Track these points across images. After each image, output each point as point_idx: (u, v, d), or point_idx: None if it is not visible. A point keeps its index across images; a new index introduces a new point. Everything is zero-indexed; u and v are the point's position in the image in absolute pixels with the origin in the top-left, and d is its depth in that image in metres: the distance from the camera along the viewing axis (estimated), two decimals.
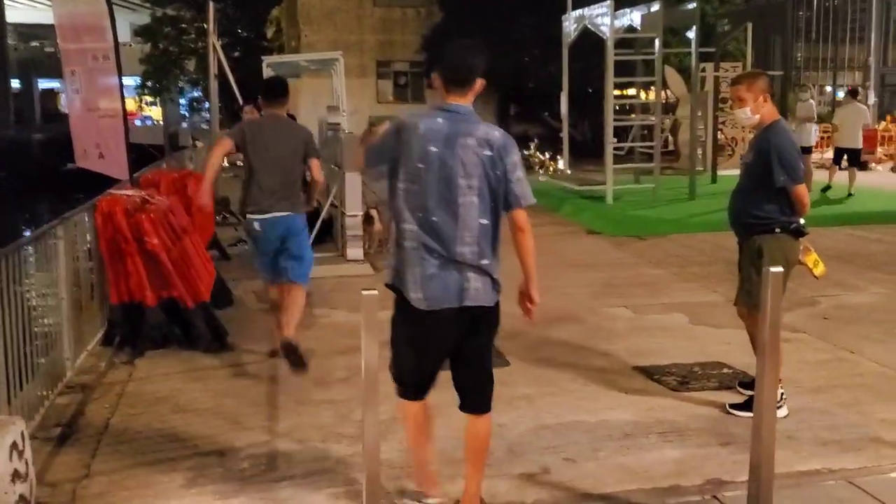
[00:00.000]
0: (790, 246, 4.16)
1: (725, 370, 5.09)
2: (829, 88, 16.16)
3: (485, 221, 2.85)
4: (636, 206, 12.74)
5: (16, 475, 2.91)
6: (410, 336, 2.89)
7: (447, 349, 2.95)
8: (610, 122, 12.62)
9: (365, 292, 2.45)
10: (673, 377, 5.01)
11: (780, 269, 2.83)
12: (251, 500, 3.36)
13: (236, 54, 21.78)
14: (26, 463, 3.04)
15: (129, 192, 5.64)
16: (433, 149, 2.81)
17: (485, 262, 2.86)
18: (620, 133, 13.12)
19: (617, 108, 12.90)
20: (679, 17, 13.82)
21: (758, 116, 4.18)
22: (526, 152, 16.97)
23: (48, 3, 6.42)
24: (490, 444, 3.20)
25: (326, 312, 6.83)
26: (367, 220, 8.82)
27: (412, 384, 3.00)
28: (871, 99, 18.36)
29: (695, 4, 13.27)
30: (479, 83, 3.00)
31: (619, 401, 4.59)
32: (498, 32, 19.14)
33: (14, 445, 2.93)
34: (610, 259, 9.47)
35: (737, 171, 4.83)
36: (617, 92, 13.03)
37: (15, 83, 49.62)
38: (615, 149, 12.70)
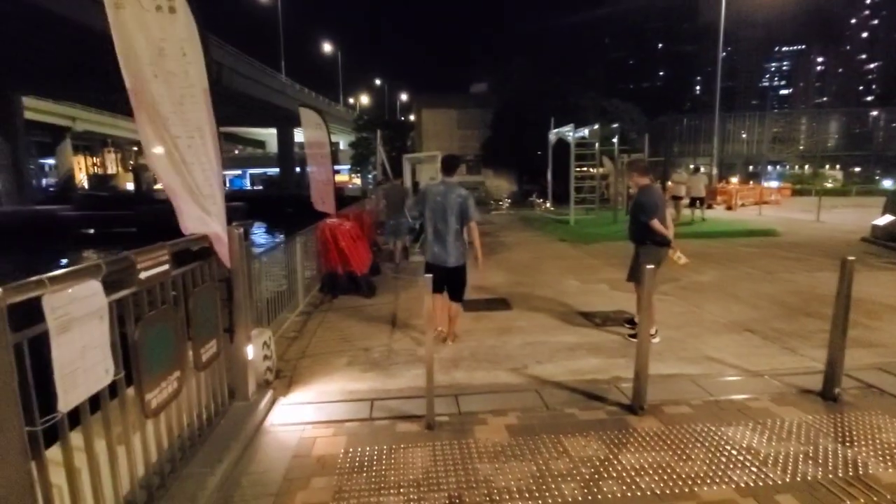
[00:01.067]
0: (655, 251, 4.66)
1: (626, 315, 5.36)
2: (691, 166, 17.76)
3: (457, 227, 4.43)
4: (586, 225, 14.00)
5: (265, 357, 3.44)
6: (431, 272, 4.07)
7: (442, 278, 4.35)
8: (572, 183, 14.68)
9: (425, 277, 2.99)
10: (598, 318, 5.38)
11: (651, 266, 3.21)
12: (377, 373, 3.93)
13: (393, 153, 27.13)
14: (271, 351, 3.57)
15: (334, 220, 6.84)
16: (438, 199, 4.41)
17: (458, 244, 4.45)
18: (579, 188, 15.37)
19: (577, 175, 14.91)
20: (609, 132, 16.42)
21: (637, 184, 4.92)
22: (530, 199, 21.36)
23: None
24: (496, 351, 3.64)
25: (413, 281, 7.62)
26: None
27: (435, 287, 4.08)
28: (714, 171, 20.79)
29: (617, 125, 16.98)
30: (458, 170, 4.64)
31: (568, 331, 5.00)
32: (518, 140, 24.31)
33: (265, 343, 3.46)
34: (570, 254, 9.79)
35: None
36: (578, 168, 14.99)
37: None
38: (576, 196, 14.85)
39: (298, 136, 51.85)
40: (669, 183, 15.41)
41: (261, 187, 60.91)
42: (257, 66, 41.44)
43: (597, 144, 14.95)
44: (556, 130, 15.96)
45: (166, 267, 2.29)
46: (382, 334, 4.93)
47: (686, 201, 14.50)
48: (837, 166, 47.40)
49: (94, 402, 1.82)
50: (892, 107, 60.73)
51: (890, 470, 2.50)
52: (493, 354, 4.31)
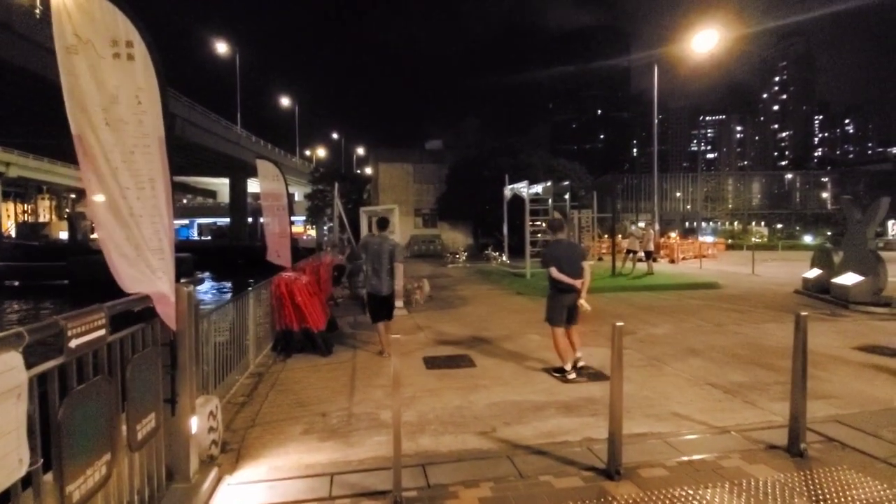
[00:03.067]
0: (560, 296, 5.31)
1: (590, 370, 5.35)
2: (641, 224, 19.18)
3: (389, 267, 5.96)
4: (542, 278, 13.78)
5: (210, 429, 3.07)
6: (370, 300, 6.08)
7: (380, 305, 6.03)
8: (527, 236, 14.84)
9: (393, 336, 2.84)
10: (557, 374, 5.26)
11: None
12: (337, 442, 3.59)
13: (349, 206, 28.44)
14: (217, 421, 3.21)
15: (290, 274, 6.53)
16: (374, 246, 6.04)
17: (388, 279, 5.98)
18: (535, 242, 15.48)
19: (532, 230, 15.38)
20: (560, 189, 16.93)
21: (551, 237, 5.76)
22: (486, 252, 21.45)
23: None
24: (462, 413, 3.46)
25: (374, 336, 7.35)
26: (418, 287, 10.17)
27: (376, 313, 6.09)
28: (656, 227, 21.97)
29: (568, 183, 17.95)
30: (391, 227, 6.44)
31: (535, 388, 4.87)
32: (474, 196, 24.99)
33: (211, 412, 3.11)
34: (528, 307, 9.75)
35: (587, 262, 5.42)
36: (532, 223, 15.44)
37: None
38: (532, 250, 14.81)
39: (253, 186, 51.29)
40: (619, 237, 16.13)
41: (209, 237, 58.81)
42: (212, 117, 41.14)
43: (550, 200, 15.51)
44: (511, 186, 16.49)
45: (102, 332, 2.02)
46: (341, 396, 4.61)
47: (641, 255, 15.14)
48: (763, 223, 51.46)
49: (3, 498, 1.50)
50: (804, 171, 67.53)
51: None
52: (459, 416, 4.09)
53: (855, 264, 9.83)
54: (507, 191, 16.75)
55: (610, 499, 2.77)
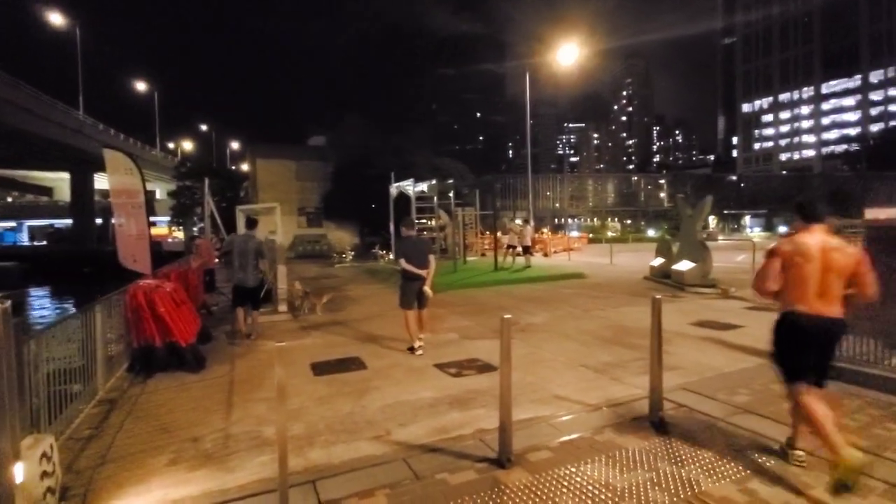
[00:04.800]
0: (408, 283, 6.00)
1: (479, 362, 5.48)
2: (519, 221, 20.34)
3: (254, 262, 6.72)
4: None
5: (44, 474, 2.56)
6: (237, 292, 6.85)
7: (246, 294, 6.81)
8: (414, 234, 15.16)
9: (277, 344, 2.61)
10: (453, 368, 5.34)
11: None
12: (211, 469, 3.19)
13: (224, 205, 25.54)
14: (53, 464, 2.66)
15: (149, 281, 5.71)
16: (241, 244, 6.67)
17: (254, 273, 6.76)
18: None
19: (418, 227, 14.69)
20: (445, 188, 17.59)
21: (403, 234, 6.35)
22: (373, 251, 20.77)
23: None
24: (354, 418, 3.31)
25: (263, 343, 6.83)
26: (305, 294, 9.25)
27: (240, 301, 6.93)
28: (532, 223, 23.21)
29: (452, 181, 18.97)
30: (258, 225, 7.05)
31: (427, 385, 4.83)
32: (360, 194, 24.32)
33: (44, 454, 2.58)
34: None
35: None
36: (418, 220, 15.50)
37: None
38: None
39: (101, 181, 44.46)
40: (500, 234, 16.94)
41: (44, 242, 49.85)
42: (45, 99, 34.77)
43: (435, 198, 15.78)
44: (397, 184, 16.43)
45: None
46: (216, 416, 4.12)
47: (519, 249, 16.04)
48: (616, 219, 57.96)
49: None
50: (647, 174, 77.36)
51: (718, 483, 2.81)
52: (351, 423, 3.89)
53: (687, 253, 11.47)
54: (394, 189, 16.69)
55: (503, 487, 2.82)
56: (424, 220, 16.31)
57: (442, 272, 14.58)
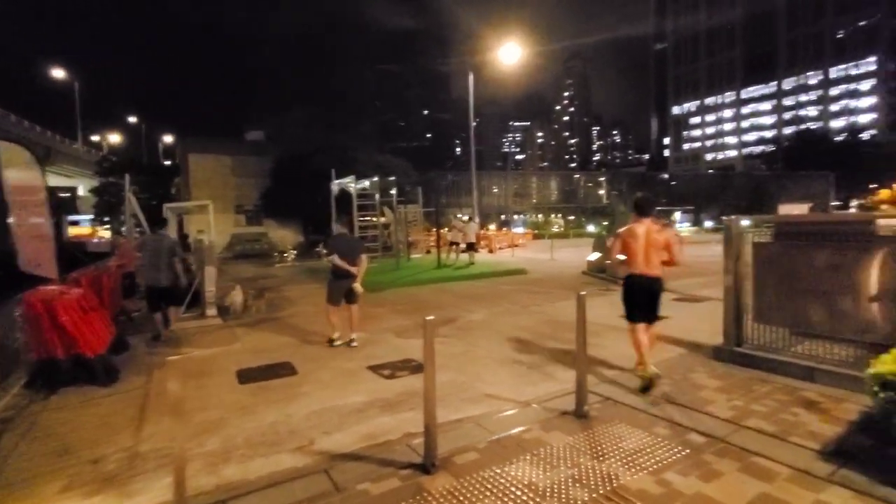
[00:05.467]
0: (337, 281, 6.16)
1: (414, 362, 5.36)
2: (465, 217, 20.35)
3: (168, 261, 6.56)
4: (371, 274, 13.78)
5: None
6: (149, 291, 6.76)
7: (159, 296, 6.68)
8: (357, 232, 14.15)
9: (197, 352, 2.38)
10: (386, 370, 5.21)
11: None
12: (108, 495, 2.94)
13: (153, 202, 23.80)
14: None
15: (52, 287, 5.15)
16: (154, 244, 6.63)
17: (167, 272, 6.61)
18: (363, 237, 15.18)
19: (361, 225, 15.22)
20: (387, 185, 16.97)
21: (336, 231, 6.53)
22: (317, 249, 20.50)
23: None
24: (277, 429, 3.16)
25: (189, 351, 6.30)
26: (245, 300, 9.00)
27: (155, 303, 6.79)
28: (477, 220, 23.04)
29: (394, 178, 17.86)
30: (167, 224, 7.17)
31: (358, 389, 4.68)
32: (302, 191, 23.51)
33: None
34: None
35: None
36: (361, 218, 15.17)
37: None
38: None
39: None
40: (445, 230, 16.92)
41: None
42: None
43: (377, 195, 15.50)
44: (338, 181, 15.99)
45: None
46: (124, 434, 3.77)
47: (463, 246, 16.07)
48: (560, 215, 59.73)
49: None
50: (587, 172, 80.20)
51: (636, 476, 2.87)
52: (274, 434, 3.69)
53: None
54: (335, 186, 16.23)
55: (425, 494, 2.74)
56: (369, 218, 15.93)
57: (385, 270, 14.40)
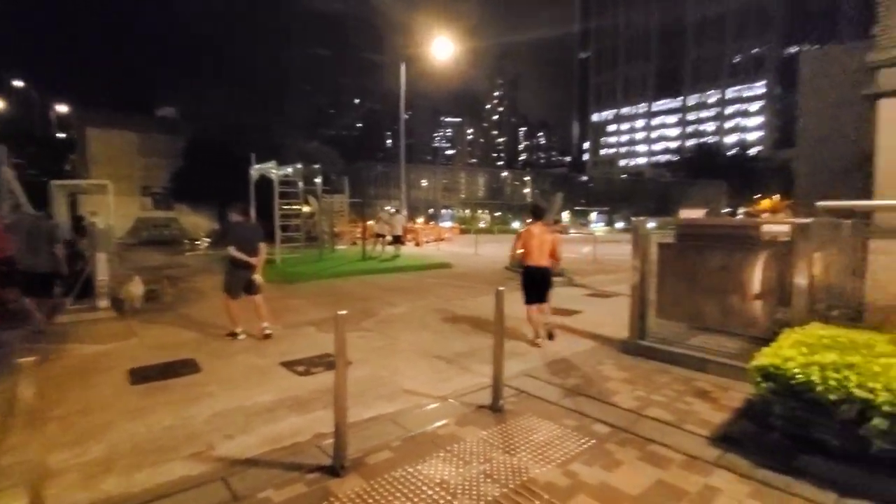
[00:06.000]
0: (235, 270, 5.88)
1: (331, 357, 5.10)
2: (392, 209, 19.97)
3: (49, 247, 6.25)
4: (292, 264, 13.52)
5: None
6: (28, 277, 5.96)
7: (38, 283, 6.03)
8: (277, 221, 13.73)
9: (51, 356, 2.05)
10: (301, 366, 4.94)
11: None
12: None
13: (44, 179, 19.63)
14: None
15: None
16: (31, 225, 6.18)
17: (49, 258, 6.09)
18: (286, 227, 14.33)
19: (284, 213, 14.11)
20: (311, 172, 15.86)
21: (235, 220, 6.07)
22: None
23: None
24: (173, 433, 2.84)
25: (74, 347, 5.57)
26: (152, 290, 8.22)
27: (31, 288, 6.06)
28: (405, 213, 22.72)
29: (319, 166, 16.41)
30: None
31: (268, 387, 4.38)
32: (219, 175, 21.18)
33: None
34: (274, 296, 8.83)
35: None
36: (284, 206, 14.15)
37: None
38: (283, 235, 13.92)
39: None
40: (372, 222, 16.60)
41: None
42: None
43: (301, 183, 14.76)
44: (258, 166, 14.99)
45: None
46: None
47: (389, 238, 15.82)
48: (486, 211, 60.99)
49: None
50: (513, 170, 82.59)
51: (544, 469, 2.91)
52: (169, 439, 3.33)
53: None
54: (254, 171, 15.19)
55: (332, 500, 2.58)
56: (292, 207, 15.14)
57: (307, 261, 13.82)
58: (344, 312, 2.89)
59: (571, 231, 40.51)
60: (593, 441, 3.27)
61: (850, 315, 4.17)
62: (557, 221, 13.88)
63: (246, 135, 22.54)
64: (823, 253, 4.25)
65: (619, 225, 53.82)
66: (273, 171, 13.81)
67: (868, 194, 5.76)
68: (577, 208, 59.99)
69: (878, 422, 2.37)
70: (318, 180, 15.79)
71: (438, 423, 3.54)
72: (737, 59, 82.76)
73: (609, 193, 62.98)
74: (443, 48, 22.95)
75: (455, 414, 3.73)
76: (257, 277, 5.96)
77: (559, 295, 9.41)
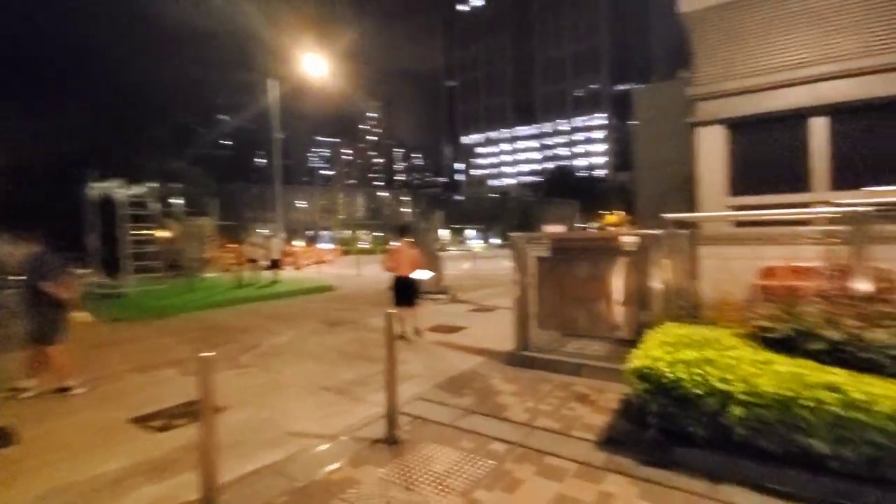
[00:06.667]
0: (49, 311, 4.86)
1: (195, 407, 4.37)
2: (267, 232, 18.37)
3: None
4: (153, 297, 11.63)
5: None
6: None
7: None
8: (127, 248, 12.04)
9: None
10: (160, 420, 4.14)
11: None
12: None
13: None
14: None
15: None
16: None
17: None
18: (140, 255, 12.35)
19: (136, 239, 12.12)
20: (170, 192, 14.23)
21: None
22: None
23: None
24: None
25: None
26: None
27: None
28: (283, 235, 21.35)
29: (181, 185, 15.51)
30: None
31: (115, 452, 3.56)
32: (51, 195, 17.93)
33: None
34: (126, 337, 7.63)
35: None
36: (137, 231, 12.25)
37: None
38: (136, 264, 12.16)
39: None
40: (244, 247, 15.13)
41: None
42: None
43: (159, 205, 12.90)
44: (98, 185, 12.69)
45: None
46: None
47: (265, 263, 14.55)
48: (368, 231, 60.31)
49: None
50: (392, 190, 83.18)
51: (446, 500, 2.71)
52: None
53: (426, 263, 12.39)
54: (94, 191, 12.83)
55: None
56: (146, 232, 13.16)
57: (174, 293, 12.09)
58: (211, 354, 2.42)
59: (451, 248, 41.78)
60: (492, 462, 3.17)
61: (691, 313, 4.73)
62: (437, 240, 14.06)
63: (96, 155, 19.18)
64: (671, 259, 4.78)
65: (494, 241, 57.02)
66: (119, 189, 11.87)
67: (691, 209, 6.73)
68: (454, 226, 62.26)
69: (737, 411, 2.63)
70: (178, 200, 13.99)
71: (331, 467, 3.16)
72: (579, 94, 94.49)
73: (480, 212, 66.60)
74: (316, 67, 22.29)
75: (349, 453, 3.37)
76: (78, 315, 5.18)
77: (444, 312, 9.46)
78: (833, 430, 2.47)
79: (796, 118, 6.19)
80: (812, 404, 2.50)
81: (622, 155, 79.52)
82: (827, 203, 5.19)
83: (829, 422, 2.46)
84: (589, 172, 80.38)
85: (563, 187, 66.93)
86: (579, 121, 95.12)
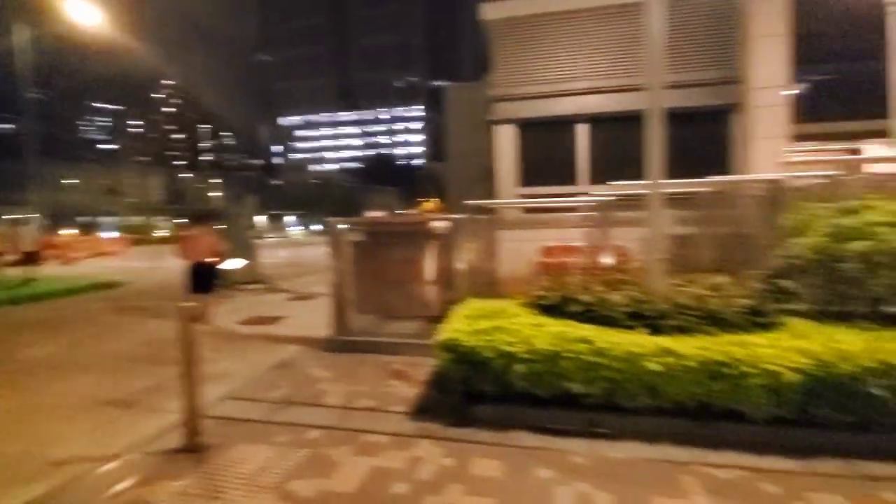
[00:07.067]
0: None
1: None
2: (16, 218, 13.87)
3: None
4: None
5: None
6: None
7: None
8: None
9: None
10: None
11: None
12: None
13: None
14: None
15: None
16: None
17: None
18: None
19: None
20: None
21: None
22: None
23: None
24: None
25: None
26: None
27: None
28: (40, 223, 16.86)
29: None
30: None
31: None
32: None
33: None
34: None
35: None
36: None
37: None
38: None
39: None
40: None
41: None
42: None
43: None
44: None
45: None
46: None
47: (12, 258, 11.29)
48: (170, 217, 51.91)
49: None
50: (198, 172, 73.16)
51: (258, 498, 2.55)
52: None
53: (239, 251, 11.26)
54: None
55: None
56: None
57: None
58: None
59: (269, 236, 38.83)
60: (308, 451, 3.10)
61: (490, 289, 5.36)
62: (252, 227, 12.92)
63: None
64: (473, 242, 5.31)
65: (315, 228, 54.98)
66: None
67: (492, 197, 7.58)
68: (272, 212, 58.01)
69: (519, 367, 3.08)
70: None
71: (116, 489, 2.67)
72: (400, 84, 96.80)
73: (301, 197, 63.51)
74: (85, 11, 17.87)
75: (140, 470, 2.89)
76: None
77: (260, 302, 8.80)
78: (585, 373, 3.10)
79: (568, 123, 7.45)
80: (571, 355, 3.09)
81: (437, 146, 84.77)
82: (587, 194, 6.41)
83: (582, 367, 3.08)
84: (408, 161, 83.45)
85: (384, 174, 68.25)
86: (399, 110, 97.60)
